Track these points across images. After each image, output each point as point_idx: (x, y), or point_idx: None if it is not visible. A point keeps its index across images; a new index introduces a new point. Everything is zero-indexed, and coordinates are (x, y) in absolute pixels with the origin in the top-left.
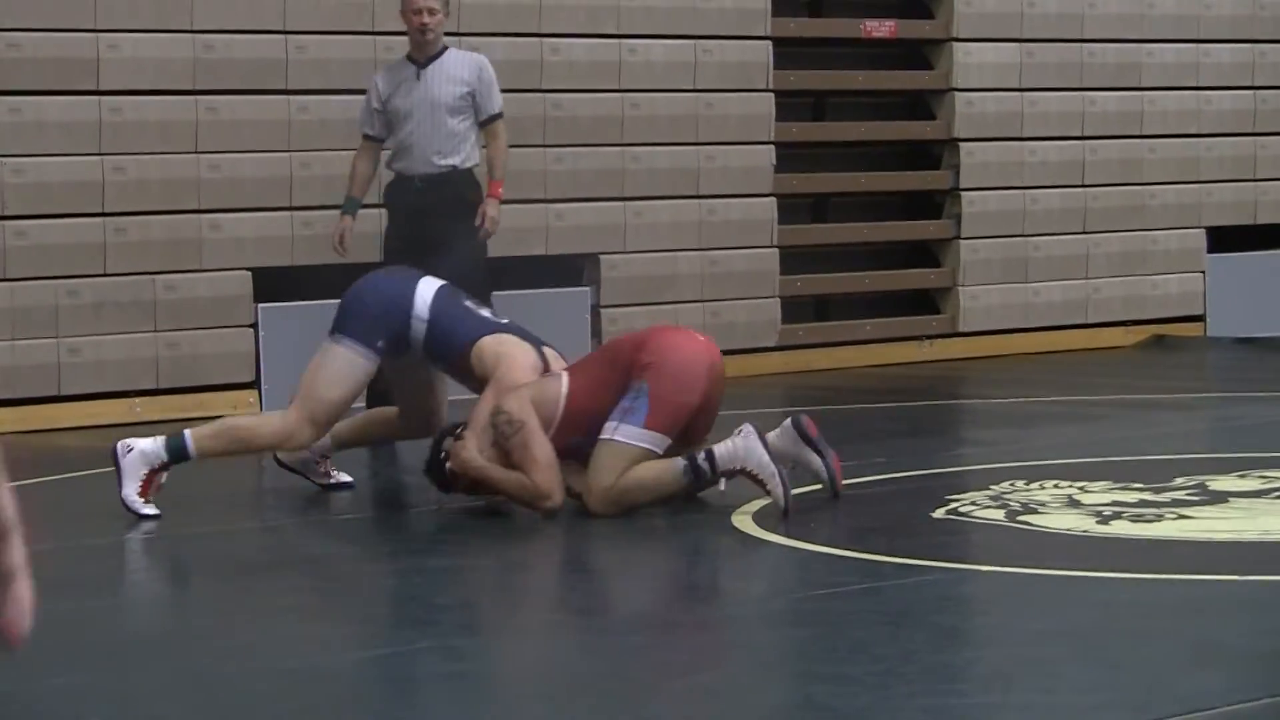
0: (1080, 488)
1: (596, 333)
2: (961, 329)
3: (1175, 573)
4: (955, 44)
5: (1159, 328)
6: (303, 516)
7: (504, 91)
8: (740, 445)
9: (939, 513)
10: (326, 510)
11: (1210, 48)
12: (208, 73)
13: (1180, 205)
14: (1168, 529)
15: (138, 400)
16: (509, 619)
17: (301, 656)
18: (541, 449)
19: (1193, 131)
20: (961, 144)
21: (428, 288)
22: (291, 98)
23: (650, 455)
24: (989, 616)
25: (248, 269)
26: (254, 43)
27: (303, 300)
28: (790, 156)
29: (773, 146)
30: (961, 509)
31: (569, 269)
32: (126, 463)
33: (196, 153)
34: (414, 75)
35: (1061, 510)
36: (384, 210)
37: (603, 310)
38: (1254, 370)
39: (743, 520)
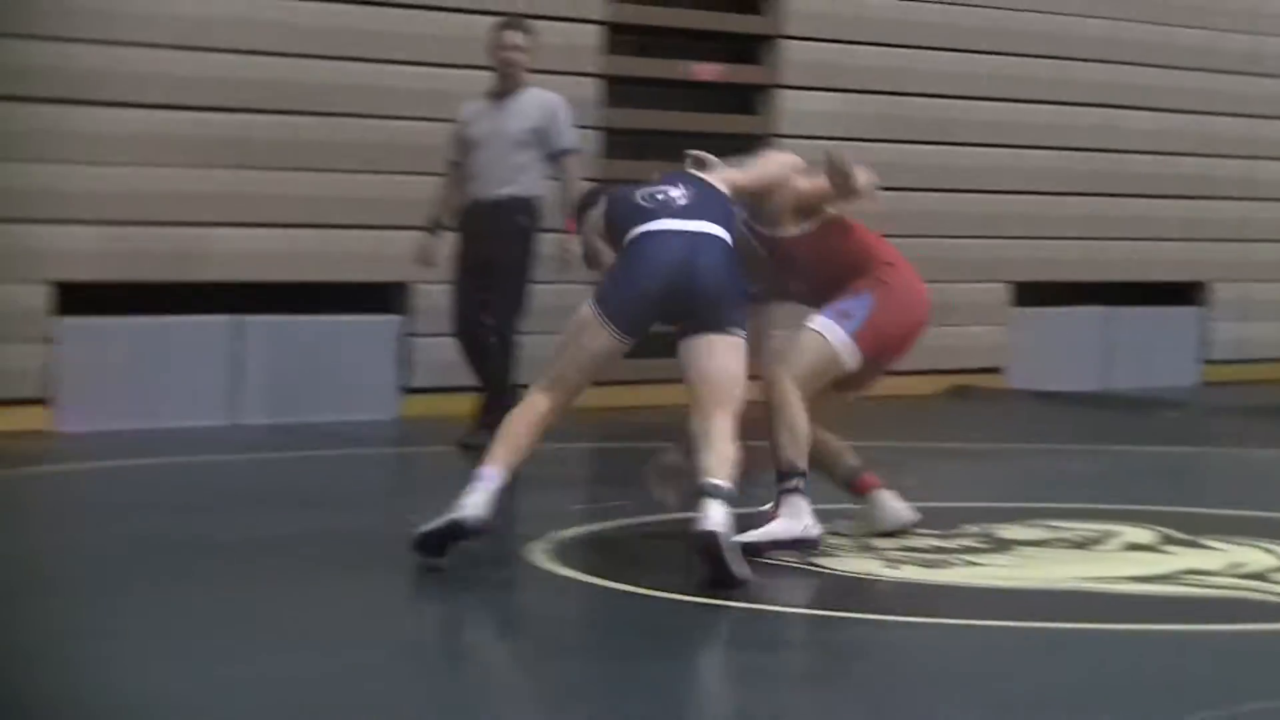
0: (873, 532)
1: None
2: None
3: (960, 618)
4: (781, 90)
5: (961, 378)
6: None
7: (328, 114)
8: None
9: None
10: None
11: (1024, 107)
12: None
13: (985, 259)
14: (956, 575)
15: None
16: (277, 645)
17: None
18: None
19: (1001, 188)
20: None
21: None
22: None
23: (840, 364)
24: (775, 656)
25: (47, 282)
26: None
27: (105, 315)
28: None
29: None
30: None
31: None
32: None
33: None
34: (490, 108)
35: (854, 554)
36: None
37: (419, 339)
38: (1051, 423)
39: (532, 552)
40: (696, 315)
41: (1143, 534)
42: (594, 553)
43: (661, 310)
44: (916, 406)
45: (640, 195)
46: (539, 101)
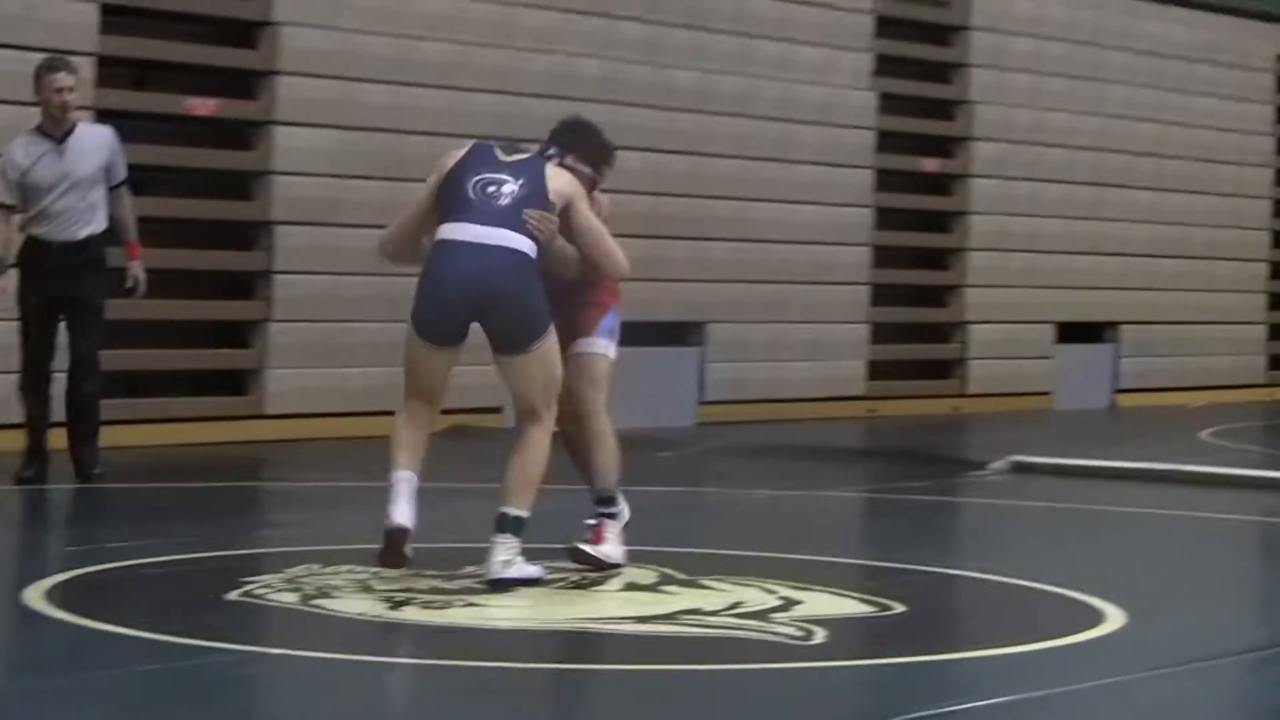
0: (374, 573)
1: None
2: (268, 411)
3: (459, 659)
4: (276, 127)
5: (460, 417)
6: None
7: None
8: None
9: (233, 595)
10: None
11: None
12: None
13: None
14: (456, 616)
15: None
16: None
17: None
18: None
19: None
20: (277, 227)
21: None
22: None
23: None
24: (277, 699)
25: None
26: None
27: None
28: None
29: None
30: (256, 591)
31: None
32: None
33: None
34: (51, 150)
35: (355, 595)
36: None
37: None
38: (550, 463)
39: (33, 595)
40: (495, 330)
41: (644, 574)
42: (88, 595)
43: (467, 320)
44: None
45: (473, 182)
46: (98, 137)
